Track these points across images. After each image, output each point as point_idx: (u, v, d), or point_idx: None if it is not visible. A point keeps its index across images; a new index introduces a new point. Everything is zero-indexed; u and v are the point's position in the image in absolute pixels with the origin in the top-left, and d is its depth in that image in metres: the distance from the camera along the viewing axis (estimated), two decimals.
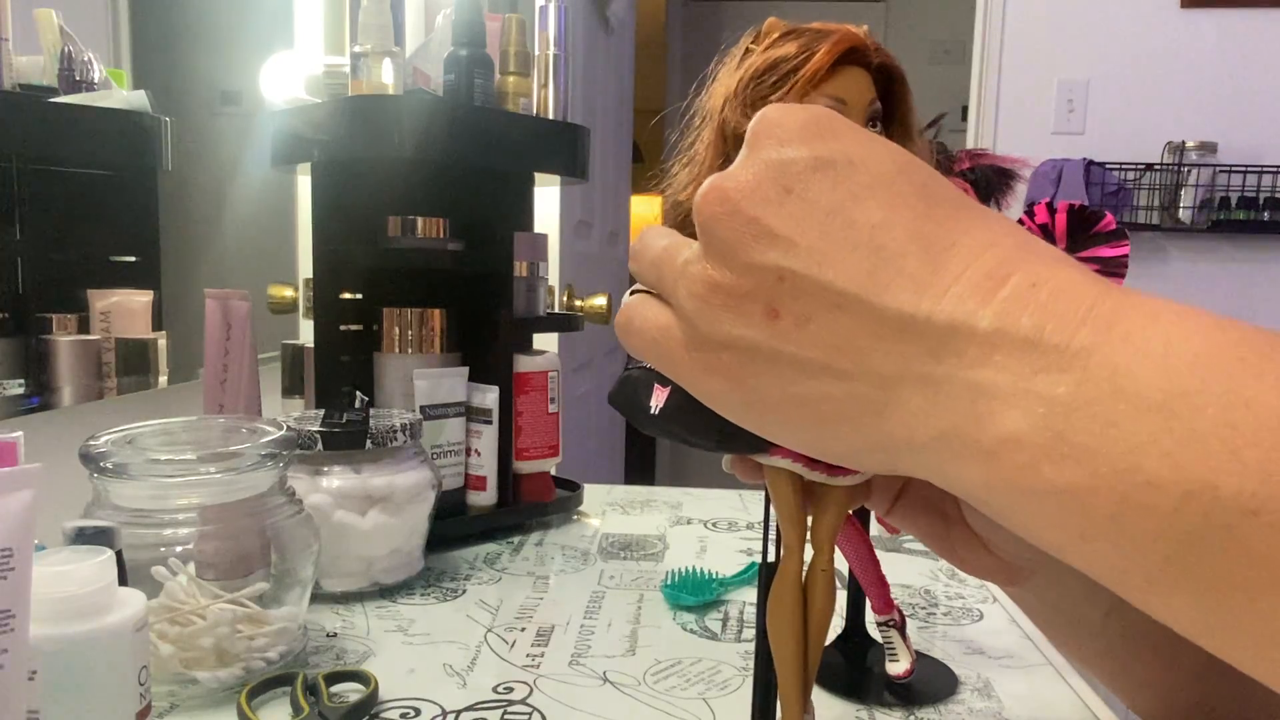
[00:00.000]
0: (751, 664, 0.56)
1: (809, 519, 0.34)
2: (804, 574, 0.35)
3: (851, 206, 0.25)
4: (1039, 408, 0.22)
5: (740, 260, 0.26)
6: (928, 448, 0.24)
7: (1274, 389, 0.21)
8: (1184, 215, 2.56)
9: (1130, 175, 2.59)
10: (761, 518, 0.38)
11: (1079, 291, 0.23)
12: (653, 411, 0.34)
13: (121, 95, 0.86)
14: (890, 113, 0.34)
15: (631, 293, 0.31)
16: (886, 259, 0.25)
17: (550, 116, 0.92)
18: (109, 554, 0.41)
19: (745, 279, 0.26)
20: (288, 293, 0.90)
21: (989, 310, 0.24)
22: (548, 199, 0.98)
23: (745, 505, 0.99)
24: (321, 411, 0.71)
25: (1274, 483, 0.19)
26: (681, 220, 0.34)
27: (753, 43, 0.32)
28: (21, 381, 0.78)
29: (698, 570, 0.73)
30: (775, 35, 0.31)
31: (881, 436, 0.25)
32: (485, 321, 0.86)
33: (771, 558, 0.37)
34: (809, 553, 0.35)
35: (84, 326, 0.84)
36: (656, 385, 0.34)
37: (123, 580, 0.45)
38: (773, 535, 0.37)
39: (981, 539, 0.37)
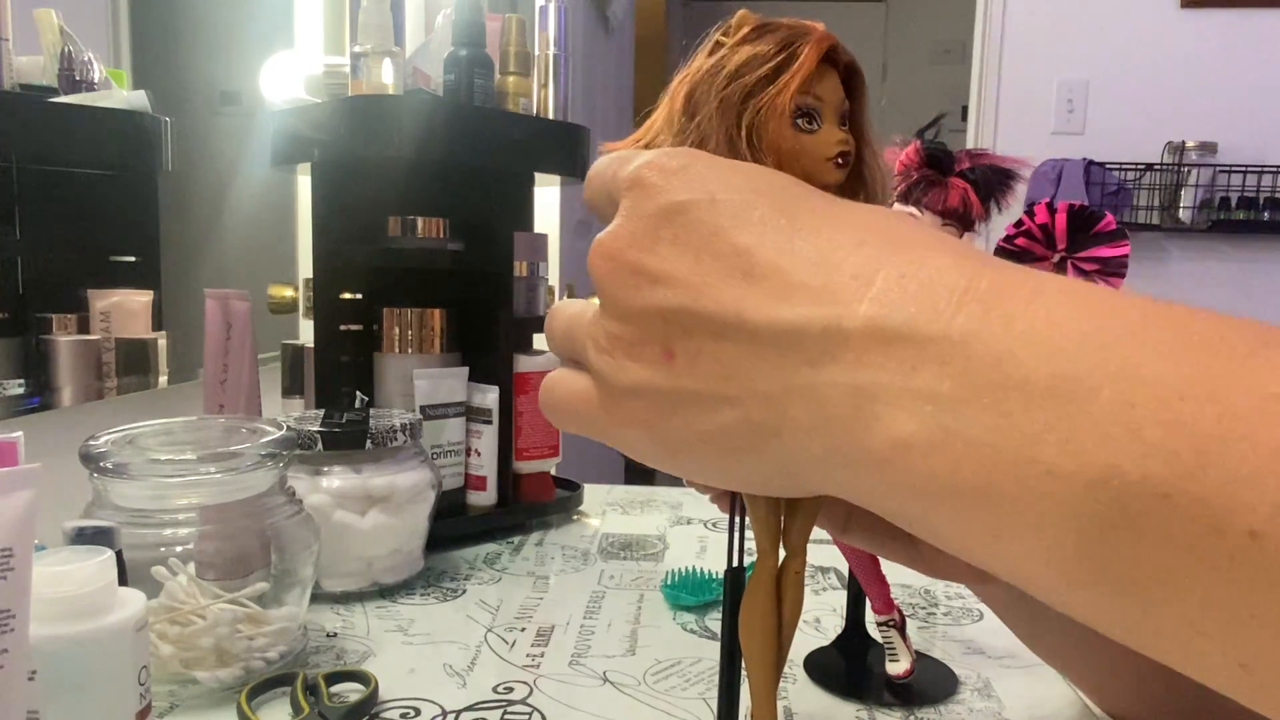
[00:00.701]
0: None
1: (781, 522, 0.34)
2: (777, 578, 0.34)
3: (716, 240, 0.25)
4: (925, 405, 0.22)
5: (629, 307, 0.26)
6: (825, 462, 0.24)
7: (1171, 362, 0.19)
8: (1184, 215, 2.56)
9: (1130, 175, 2.59)
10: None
11: (950, 277, 0.23)
12: None
13: (121, 95, 0.86)
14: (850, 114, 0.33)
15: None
16: (755, 280, 0.25)
17: (550, 116, 0.92)
18: (109, 554, 0.41)
19: (637, 325, 0.26)
20: (288, 293, 0.90)
21: (858, 310, 0.23)
22: (548, 199, 0.98)
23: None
24: (321, 411, 0.71)
25: (1182, 462, 0.18)
26: None
27: (723, 35, 0.31)
28: (21, 381, 0.78)
29: (698, 570, 0.73)
30: (748, 29, 0.31)
31: (782, 459, 0.25)
32: (485, 321, 0.86)
33: (736, 561, 0.36)
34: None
35: (84, 326, 0.84)
36: None
37: (123, 580, 0.45)
38: (740, 539, 0.36)
39: None
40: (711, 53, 0.31)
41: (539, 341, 0.93)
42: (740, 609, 0.34)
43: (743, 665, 0.35)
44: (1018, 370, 0.20)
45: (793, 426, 0.24)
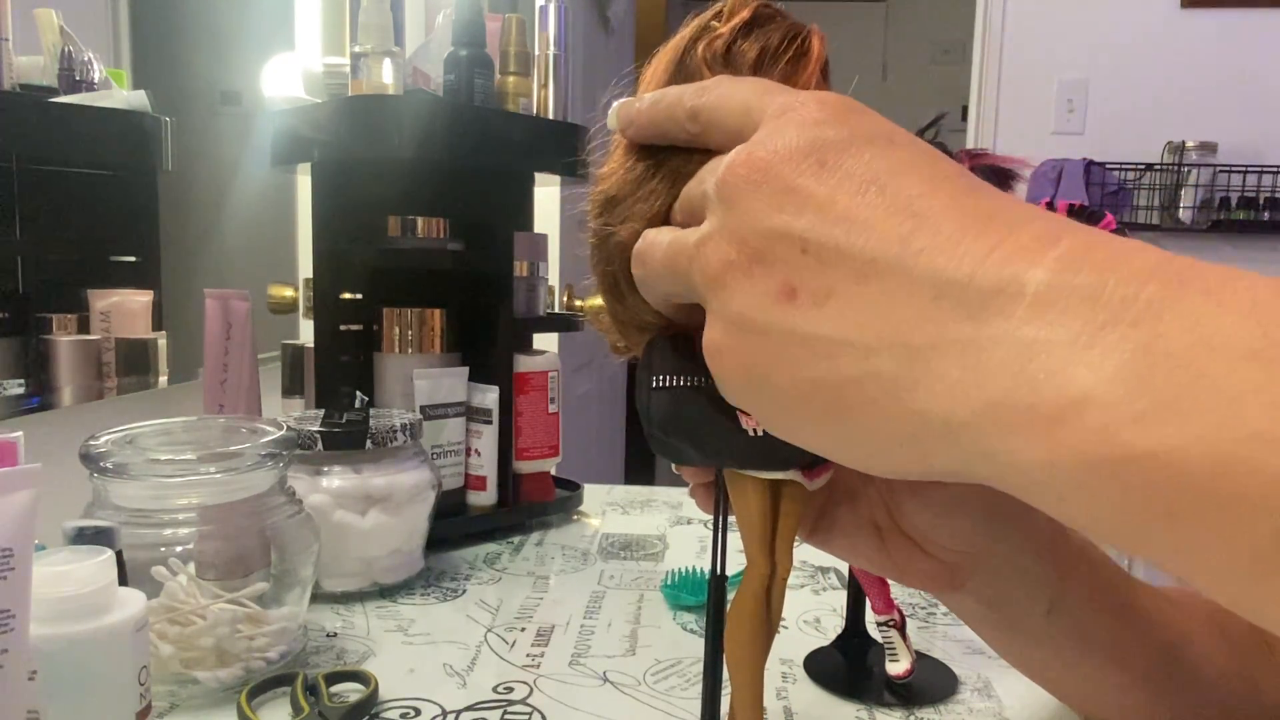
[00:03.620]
0: None
1: (772, 529, 0.34)
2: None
3: (889, 179, 0.24)
4: (1109, 362, 0.19)
5: (764, 227, 0.24)
6: (969, 426, 0.21)
7: None
8: (1184, 215, 2.56)
9: (1130, 175, 2.59)
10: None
11: (1140, 254, 0.21)
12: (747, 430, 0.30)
13: (121, 95, 0.86)
14: None
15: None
16: (923, 224, 0.23)
17: (550, 116, 0.92)
18: (109, 554, 0.41)
19: (765, 249, 0.24)
20: (288, 293, 0.90)
21: (1040, 268, 0.21)
22: (548, 199, 0.98)
23: None
24: (321, 411, 0.71)
25: None
26: (603, 206, 0.33)
27: (715, 19, 0.31)
28: (21, 381, 0.78)
29: (698, 570, 0.73)
30: (746, 14, 0.31)
31: (912, 420, 0.22)
32: (485, 321, 0.86)
33: (720, 570, 0.36)
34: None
35: (84, 326, 0.84)
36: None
37: (123, 580, 0.45)
38: (724, 545, 0.36)
39: (919, 544, 0.36)
40: (699, 36, 0.31)
41: (539, 341, 0.93)
42: (729, 617, 0.34)
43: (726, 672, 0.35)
44: (1218, 335, 0.18)
45: (935, 382, 0.22)
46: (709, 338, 0.26)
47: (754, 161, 0.25)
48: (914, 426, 0.22)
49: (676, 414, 0.30)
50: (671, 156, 0.30)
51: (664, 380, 0.30)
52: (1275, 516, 0.17)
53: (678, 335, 0.31)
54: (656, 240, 0.29)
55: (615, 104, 0.31)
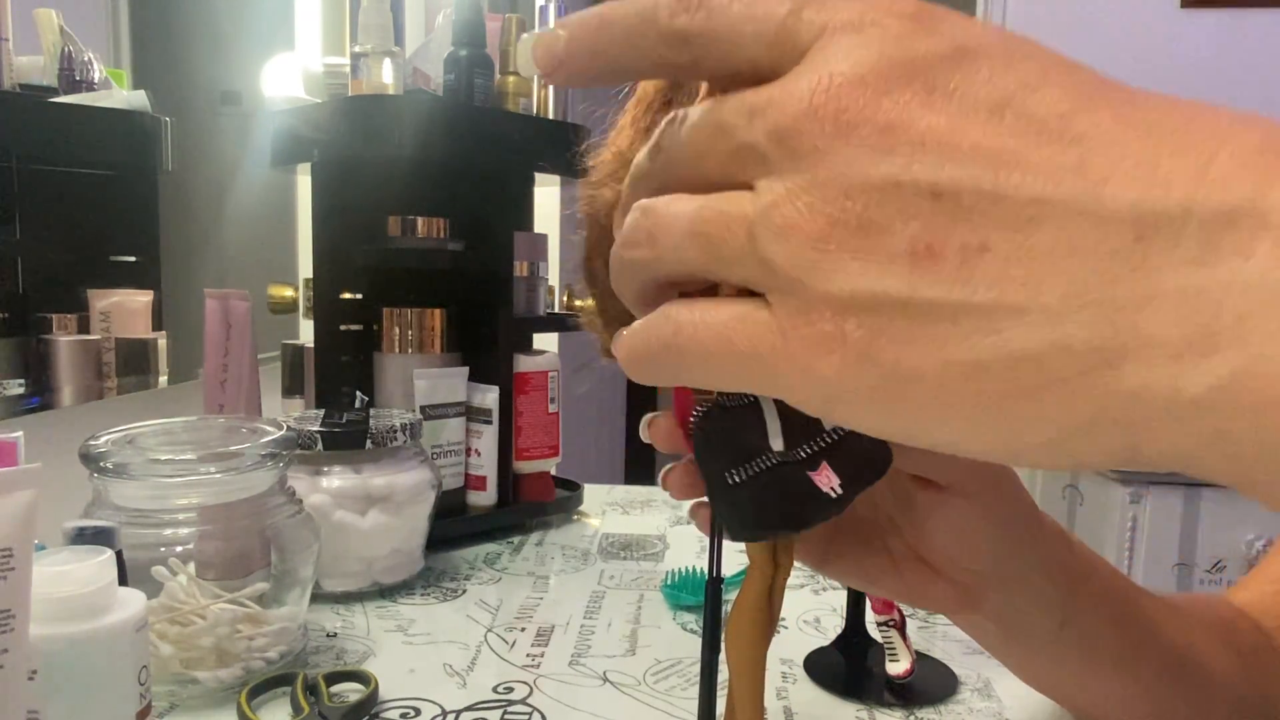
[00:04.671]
0: None
1: None
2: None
3: (1025, 97, 0.18)
4: None
5: (873, 177, 0.18)
6: (1202, 404, 0.16)
7: None
8: None
9: None
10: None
11: None
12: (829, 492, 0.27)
13: (121, 95, 0.86)
14: None
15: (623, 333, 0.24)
16: (1094, 148, 0.17)
17: (550, 116, 0.92)
18: (109, 554, 0.41)
19: (880, 207, 0.18)
20: (288, 293, 0.90)
21: (1276, 193, 0.16)
22: (548, 199, 0.98)
23: None
24: (321, 411, 0.71)
25: None
26: (604, 211, 0.31)
27: None
28: (21, 381, 0.78)
29: (698, 570, 0.73)
30: None
31: (1119, 402, 0.17)
32: (485, 321, 0.86)
33: (716, 572, 0.36)
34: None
35: (84, 326, 0.84)
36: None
37: (123, 580, 0.45)
38: (719, 548, 0.36)
39: (932, 567, 0.36)
40: None
41: (539, 341, 0.93)
42: (731, 618, 0.34)
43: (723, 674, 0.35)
44: None
45: (1152, 350, 0.16)
46: (796, 339, 0.19)
47: (834, 95, 0.18)
48: (1121, 409, 0.17)
49: (766, 509, 0.28)
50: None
51: (737, 474, 0.28)
52: None
53: (713, 412, 0.30)
54: (680, 210, 0.21)
55: (528, 36, 0.23)
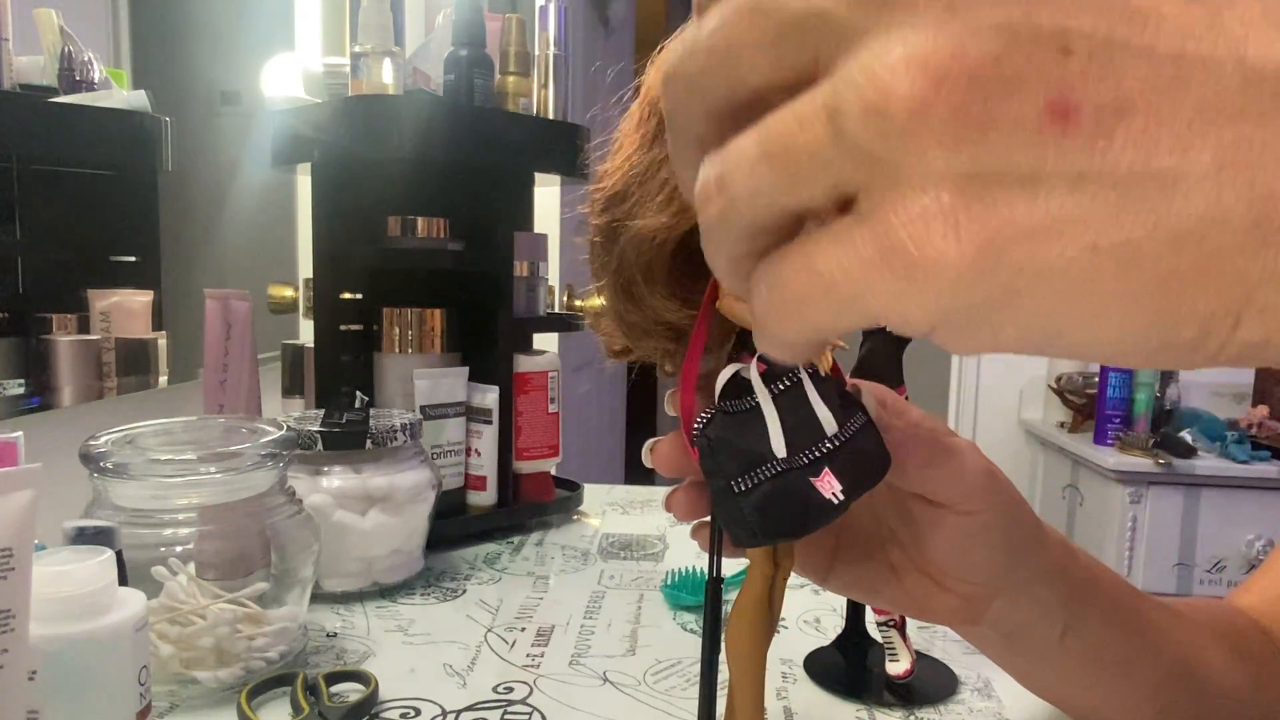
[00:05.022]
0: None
1: None
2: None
3: None
4: None
5: (982, 30, 0.15)
6: None
7: None
8: None
9: None
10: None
11: None
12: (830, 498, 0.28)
13: (121, 95, 0.86)
14: None
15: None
16: (1224, 5, 0.15)
17: (550, 116, 0.92)
18: (109, 554, 0.41)
19: (996, 63, 0.15)
20: (288, 293, 0.90)
21: None
22: (548, 199, 0.98)
23: None
24: (321, 411, 0.71)
25: None
26: (607, 205, 0.31)
27: None
28: (21, 381, 0.78)
29: (698, 570, 0.73)
30: None
31: (1265, 285, 0.15)
32: (485, 321, 0.86)
33: (715, 572, 0.36)
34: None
35: (84, 326, 0.84)
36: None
37: (123, 580, 0.45)
38: (719, 549, 0.36)
39: (935, 579, 0.36)
40: None
41: (539, 341, 0.93)
42: (731, 618, 0.34)
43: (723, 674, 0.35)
44: None
45: None
46: (906, 243, 0.16)
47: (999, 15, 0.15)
48: (1268, 295, 0.15)
49: (771, 517, 0.28)
50: None
51: (743, 483, 0.28)
52: None
53: (716, 419, 0.30)
54: (735, 144, 0.18)
55: None
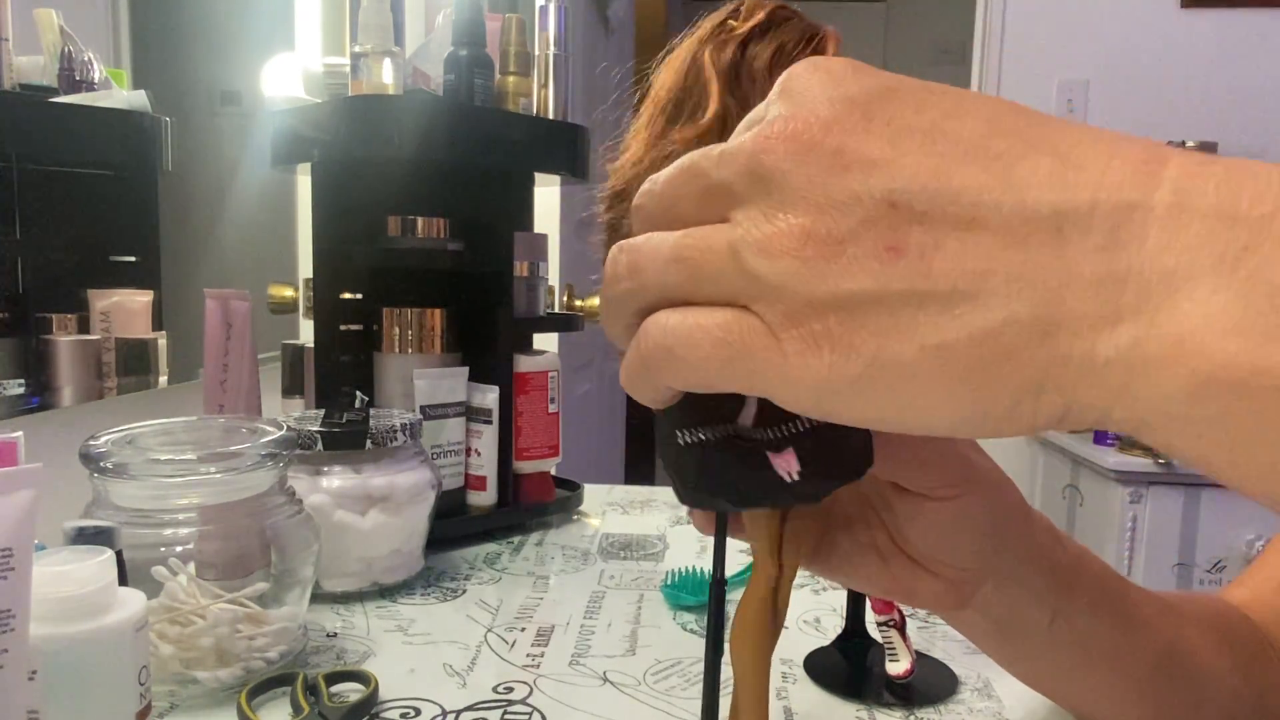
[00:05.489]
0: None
1: (780, 530, 0.33)
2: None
3: (946, 123, 0.22)
4: (1259, 286, 0.18)
5: (837, 191, 0.21)
6: (1114, 364, 0.20)
7: None
8: None
9: None
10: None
11: (1256, 167, 0.20)
12: (785, 477, 0.27)
13: (121, 95, 0.86)
14: None
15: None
16: (1012, 162, 0.21)
17: (550, 116, 0.92)
18: (109, 554, 0.41)
19: (847, 217, 0.21)
20: (288, 293, 0.90)
21: (1163, 188, 0.19)
22: (548, 199, 0.98)
23: None
24: (321, 411, 0.71)
25: None
26: (619, 204, 0.32)
27: (731, 19, 0.31)
28: (21, 381, 0.78)
29: (698, 570, 0.73)
30: (763, 16, 0.30)
31: (1055, 367, 0.20)
32: (485, 321, 0.86)
33: (719, 573, 0.36)
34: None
35: (84, 326, 0.84)
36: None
37: (123, 580, 0.45)
38: (723, 551, 0.36)
39: (923, 565, 0.36)
40: (710, 39, 0.31)
41: (539, 341, 0.93)
42: (736, 620, 0.34)
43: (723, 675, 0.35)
44: None
45: (1074, 322, 0.20)
46: (788, 340, 0.22)
47: (791, 132, 0.22)
48: (1057, 374, 0.20)
49: (709, 471, 0.28)
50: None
51: (689, 436, 0.28)
52: None
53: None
54: (661, 240, 0.24)
55: None
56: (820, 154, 0.22)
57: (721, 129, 0.29)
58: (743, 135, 0.23)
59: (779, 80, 0.24)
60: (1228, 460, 0.19)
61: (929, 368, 0.21)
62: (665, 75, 0.31)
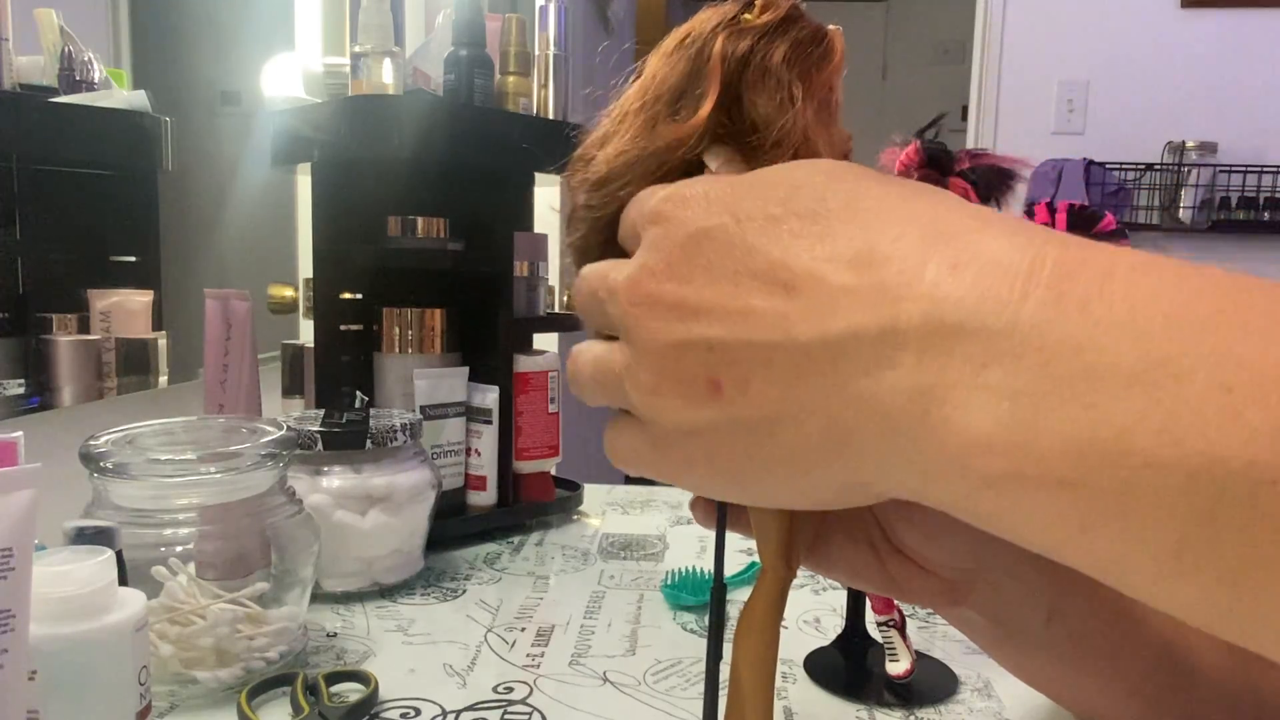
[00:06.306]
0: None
1: (788, 534, 0.33)
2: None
3: (750, 258, 0.25)
4: (1001, 403, 0.20)
5: (666, 344, 0.26)
6: (897, 469, 0.23)
7: (1265, 340, 0.18)
8: (1184, 215, 2.56)
9: (1130, 175, 2.59)
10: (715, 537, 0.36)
11: (1009, 259, 0.21)
12: None
13: (121, 95, 0.86)
14: None
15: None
16: (797, 293, 0.24)
17: (550, 116, 0.92)
18: (109, 554, 0.41)
19: (679, 363, 0.25)
20: (288, 293, 0.90)
21: (911, 308, 0.22)
22: (548, 199, 0.98)
23: None
24: (321, 411, 0.71)
25: None
26: (594, 190, 0.33)
27: (745, 11, 0.31)
28: (21, 381, 0.78)
29: (698, 570, 0.73)
30: (779, 13, 0.30)
31: (854, 469, 0.24)
32: (485, 321, 0.86)
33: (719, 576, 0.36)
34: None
35: (84, 326, 0.84)
36: None
37: (123, 580, 0.45)
38: (722, 554, 0.36)
39: (917, 562, 0.36)
40: (721, 28, 0.30)
41: (539, 341, 0.93)
42: (742, 620, 0.34)
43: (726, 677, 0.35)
44: (1101, 358, 0.19)
45: (859, 437, 0.23)
46: (664, 454, 0.28)
47: (633, 291, 0.27)
48: (859, 474, 0.24)
49: None
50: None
51: None
52: (1173, 531, 0.19)
53: None
54: (584, 356, 0.30)
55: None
56: (658, 309, 0.26)
57: (710, 132, 0.30)
58: (621, 272, 0.28)
59: (657, 202, 0.27)
60: (1019, 539, 0.22)
61: (767, 474, 0.26)
62: (664, 60, 0.31)
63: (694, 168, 0.30)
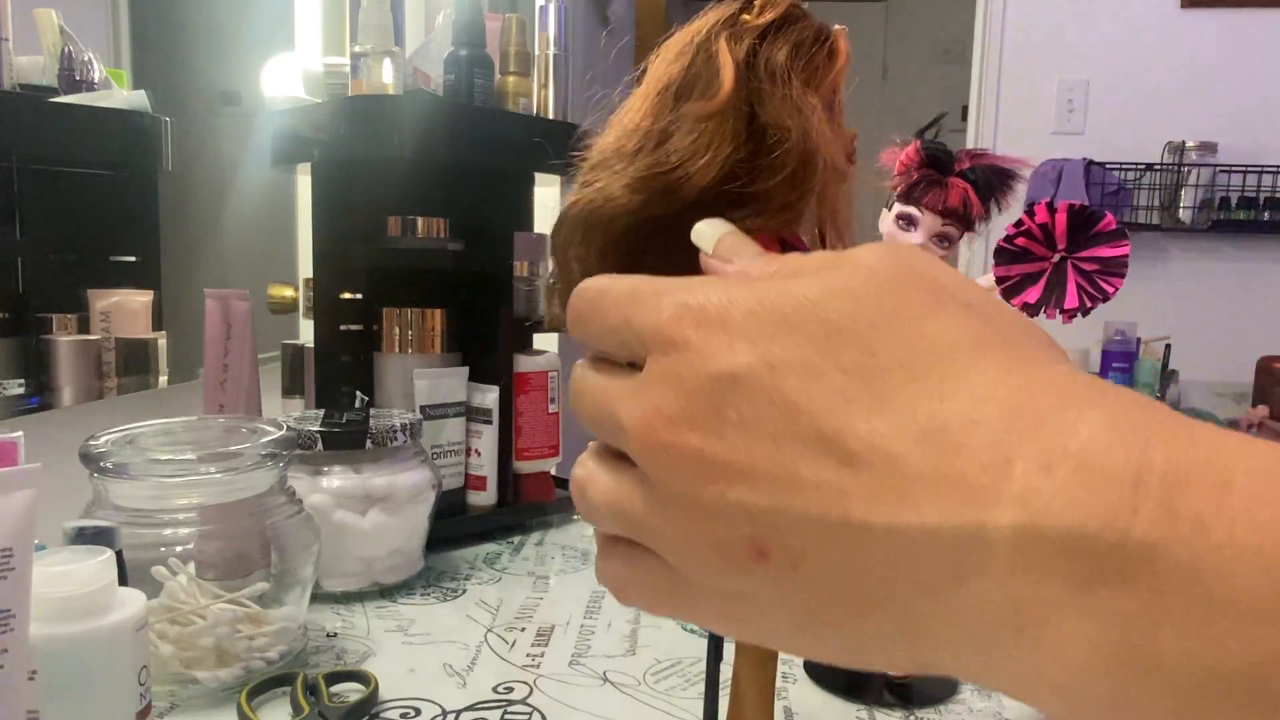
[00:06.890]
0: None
1: None
2: None
3: (795, 421, 0.21)
4: (1108, 628, 0.18)
5: (696, 504, 0.22)
6: (976, 670, 0.21)
7: None
8: (1184, 215, 2.56)
9: (1130, 175, 2.59)
10: None
11: (1111, 465, 0.18)
12: None
13: (121, 95, 0.86)
14: None
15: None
16: (857, 469, 0.20)
17: (550, 116, 0.92)
18: (109, 554, 0.41)
19: (713, 524, 0.22)
20: (288, 293, 0.90)
21: (1001, 515, 0.19)
22: (548, 199, 0.98)
23: None
24: (321, 411, 0.71)
25: None
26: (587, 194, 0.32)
27: (744, 11, 0.30)
28: (21, 381, 0.78)
29: None
30: (779, 11, 0.30)
31: (923, 657, 0.21)
32: (485, 321, 0.86)
33: None
34: None
35: (84, 326, 0.84)
36: None
37: (123, 580, 0.45)
38: None
39: None
40: (722, 28, 0.30)
41: (539, 341, 0.93)
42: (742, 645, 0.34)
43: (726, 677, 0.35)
44: (1226, 590, 0.17)
45: (935, 639, 0.20)
46: (677, 593, 0.24)
47: (655, 434, 0.22)
48: (931, 661, 0.21)
49: None
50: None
51: None
52: None
53: None
54: (594, 484, 0.26)
55: None
56: (686, 462, 0.22)
57: (733, 114, 0.29)
58: (631, 407, 0.23)
59: (667, 320, 0.23)
60: None
61: (816, 644, 0.23)
62: (667, 61, 0.31)
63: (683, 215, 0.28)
